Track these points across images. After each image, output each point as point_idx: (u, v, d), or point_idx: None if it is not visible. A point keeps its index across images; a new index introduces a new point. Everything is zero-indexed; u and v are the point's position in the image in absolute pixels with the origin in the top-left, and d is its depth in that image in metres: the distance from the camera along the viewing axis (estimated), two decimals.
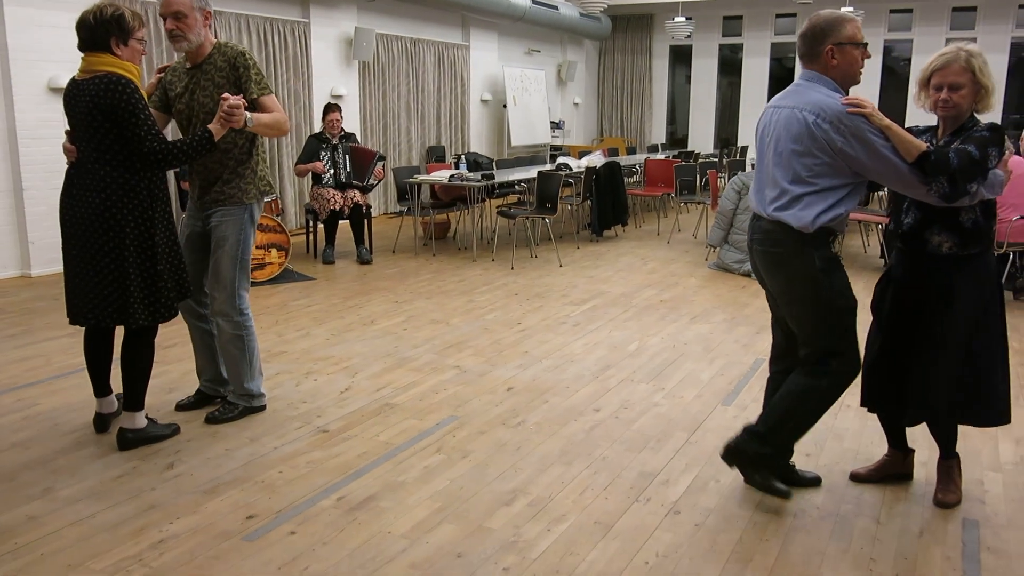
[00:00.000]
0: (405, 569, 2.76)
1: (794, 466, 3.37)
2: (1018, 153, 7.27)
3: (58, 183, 7.28)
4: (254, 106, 3.67)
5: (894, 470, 3.44)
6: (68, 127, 3.53)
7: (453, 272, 7.64)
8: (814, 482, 3.38)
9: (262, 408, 4.14)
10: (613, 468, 3.54)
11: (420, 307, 6.31)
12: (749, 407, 4.27)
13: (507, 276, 7.47)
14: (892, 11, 14.86)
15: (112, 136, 3.39)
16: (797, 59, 3.14)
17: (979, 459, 3.66)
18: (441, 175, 8.60)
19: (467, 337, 5.51)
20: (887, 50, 15.13)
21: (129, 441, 3.68)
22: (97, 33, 3.38)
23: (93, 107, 3.35)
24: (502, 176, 9.17)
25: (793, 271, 3.02)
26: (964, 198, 2.86)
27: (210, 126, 3.54)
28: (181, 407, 4.14)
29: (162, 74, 3.91)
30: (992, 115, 3.00)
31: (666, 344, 5.40)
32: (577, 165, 9.71)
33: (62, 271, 3.63)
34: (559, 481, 3.42)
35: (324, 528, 3.03)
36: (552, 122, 15.23)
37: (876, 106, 2.89)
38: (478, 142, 13.59)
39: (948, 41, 14.44)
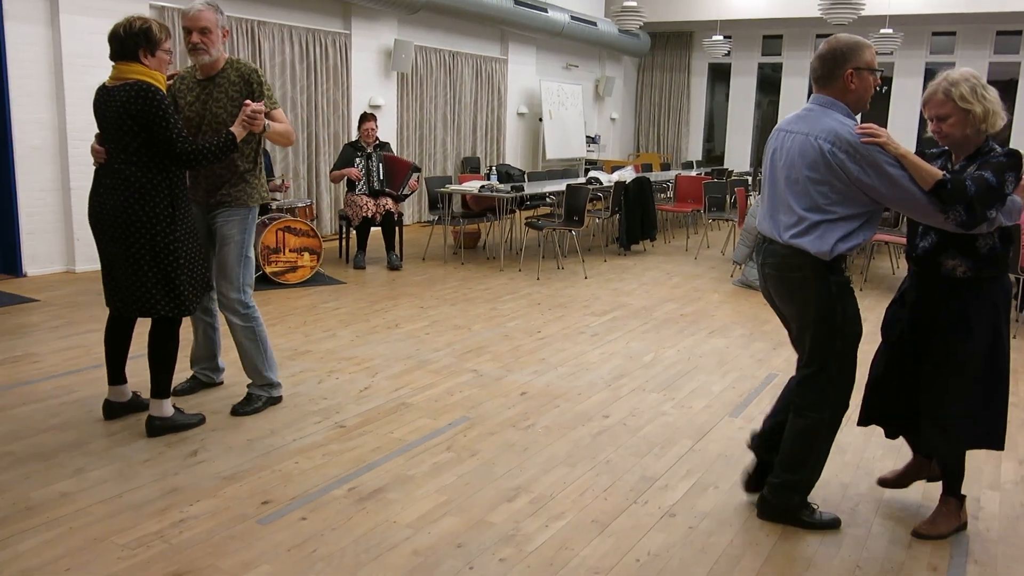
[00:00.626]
0: (407, 556, 2.91)
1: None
2: None
3: None
4: (233, 116, 3.90)
5: (919, 475, 3.45)
6: (98, 130, 3.75)
7: (479, 280, 7.81)
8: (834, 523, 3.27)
9: (279, 398, 4.36)
10: (615, 471, 3.67)
11: (444, 313, 6.48)
12: (756, 419, 4.36)
13: (532, 286, 7.62)
14: (935, 33, 14.82)
15: (140, 139, 3.61)
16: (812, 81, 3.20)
17: (980, 477, 3.72)
18: (472, 185, 8.79)
19: (487, 343, 5.66)
20: (929, 73, 15.07)
21: (156, 428, 3.88)
22: (127, 44, 3.64)
23: (123, 112, 3.58)
24: (532, 188, 9.33)
25: (809, 296, 3.02)
26: (982, 225, 2.85)
27: (232, 129, 3.79)
28: (177, 392, 4.36)
29: (170, 82, 4.09)
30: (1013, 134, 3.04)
31: (681, 356, 5.50)
32: (608, 179, 9.84)
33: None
34: (562, 481, 3.55)
35: (334, 515, 3.19)
36: (588, 136, 15.37)
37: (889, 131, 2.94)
38: (513, 154, 13.78)
39: (991, 64, 14.38)
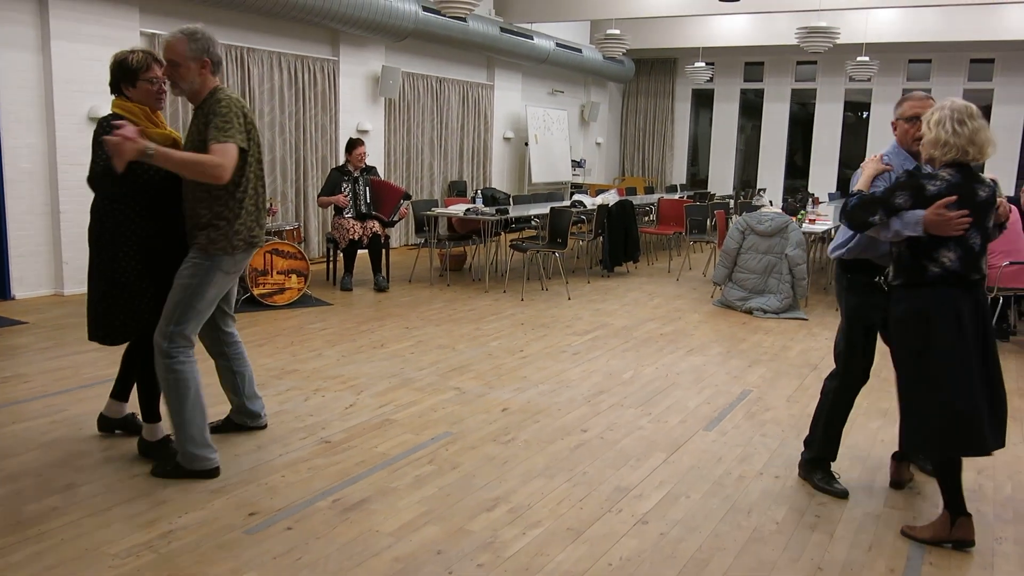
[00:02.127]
0: (388, 563, 3.03)
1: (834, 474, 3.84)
2: (1016, 204, 7.45)
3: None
4: (205, 147, 3.56)
5: (899, 475, 3.91)
6: None
7: (464, 302, 7.94)
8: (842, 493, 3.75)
9: (204, 473, 3.76)
10: (592, 482, 3.79)
11: (429, 333, 6.61)
12: (729, 432, 4.50)
13: (516, 307, 7.76)
14: (911, 61, 15.15)
15: None
16: None
17: (936, 486, 3.85)
18: (457, 209, 8.95)
19: (470, 361, 5.79)
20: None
21: (146, 448, 3.97)
22: (112, 79, 3.77)
23: None
24: (517, 211, 9.49)
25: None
26: (870, 230, 3.36)
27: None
28: (212, 429, 4.05)
29: None
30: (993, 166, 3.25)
31: (660, 373, 5.65)
32: (591, 203, 10.02)
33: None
34: (539, 492, 3.67)
35: (318, 525, 3.31)
36: (573, 161, 15.60)
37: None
38: (499, 178, 13.98)
39: (964, 91, 14.69)
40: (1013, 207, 7.14)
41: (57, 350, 5.75)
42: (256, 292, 7.22)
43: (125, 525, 3.26)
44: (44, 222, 7.51)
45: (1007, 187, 13.79)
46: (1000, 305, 6.76)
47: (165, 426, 3.94)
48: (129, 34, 7.82)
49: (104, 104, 7.59)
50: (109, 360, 5.52)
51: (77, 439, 4.15)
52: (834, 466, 3.91)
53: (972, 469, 4.09)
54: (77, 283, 7.63)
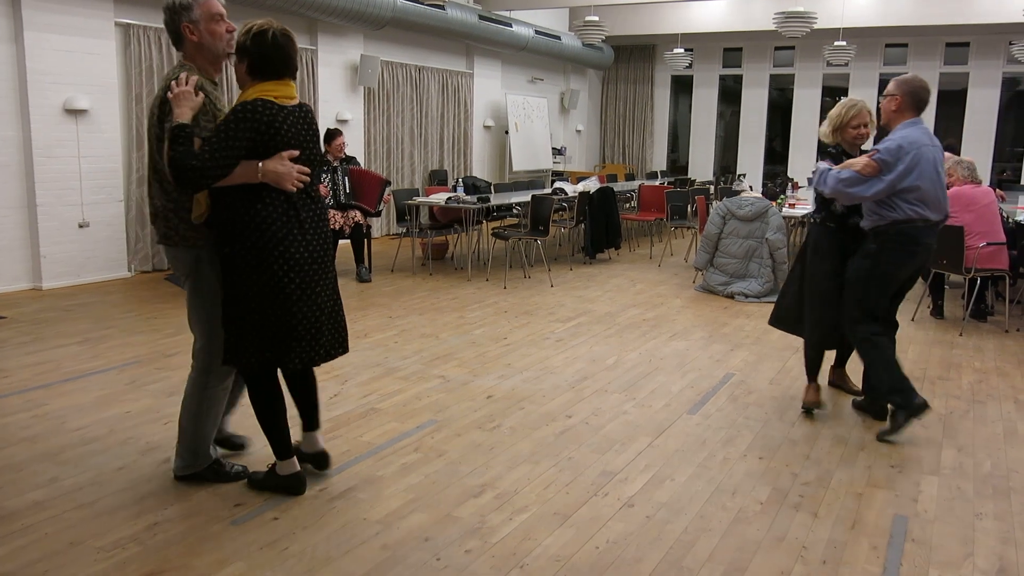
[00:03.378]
0: (376, 550, 3.03)
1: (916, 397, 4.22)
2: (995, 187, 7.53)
3: (70, 199, 7.64)
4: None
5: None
6: (292, 150, 3.19)
7: (447, 291, 7.94)
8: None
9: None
10: (577, 467, 3.81)
11: (413, 322, 6.60)
12: (712, 416, 4.53)
13: (499, 295, 7.77)
14: (887, 45, 15.24)
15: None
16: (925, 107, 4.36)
17: (920, 464, 3.91)
18: (439, 197, 8.93)
19: (454, 350, 5.79)
20: (883, 83, 15.49)
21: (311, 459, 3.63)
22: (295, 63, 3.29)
23: (316, 133, 3.35)
24: (498, 199, 9.49)
25: None
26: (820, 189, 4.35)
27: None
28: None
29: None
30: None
31: (643, 359, 5.67)
32: (572, 190, 10.03)
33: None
34: (526, 478, 3.68)
35: (305, 515, 3.31)
36: (554, 148, 15.59)
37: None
38: (480, 167, 13.95)
39: (941, 75, 14.80)
40: (992, 189, 7.26)
41: (36, 344, 5.70)
42: None
43: (110, 518, 3.25)
44: (21, 216, 7.44)
45: (983, 168, 13.94)
46: (978, 286, 6.83)
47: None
48: (104, 24, 7.74)
49: (82, 95, 7.53)
50: (90, 354, 5.49)
51: (60, 433, 4.12)
52: (814, 444, 3.95)
53: (953, 447, 4.14)
54: (54, 277, 7.57)
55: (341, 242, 8.51)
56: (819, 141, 4.69)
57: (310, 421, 3.61)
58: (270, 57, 3.14)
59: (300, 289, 3.22)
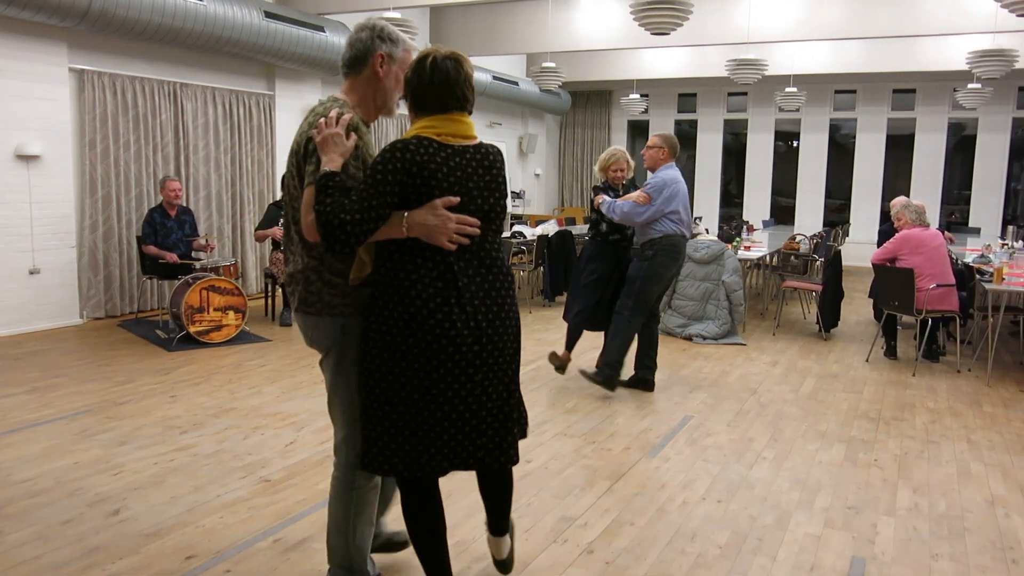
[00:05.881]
0: None
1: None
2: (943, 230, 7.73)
3: (20, 245, 7.51)
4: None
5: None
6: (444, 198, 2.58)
7: None
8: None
9: None
10: (536, 513, 3.78)
11: None
12: (672, 459, 4.54)
13: None
14: (837, 91, 15.66)
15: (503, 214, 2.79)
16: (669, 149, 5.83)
17: (877, 505, 3.94)
18: None
19: None
20: (833, 128, 15.89)
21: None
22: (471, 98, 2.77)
23: (501, 177, 2.75)
24: None
25: None
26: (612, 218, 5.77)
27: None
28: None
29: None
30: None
31: (602, 401, 5.68)
32: (531, 233, 10.09)
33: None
34: (484, 525, 3.63)
35: (259, 566, 3.23)
36: (513, 192, 15.69)
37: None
38: None
39: (888, 120, 15.23)
40: (940, 232, 7.46)
41: None
42: (192, 330, 7.08)
43: (56, 574, 3.14)
44: None
45: (932, 211, 14.28)
46: (929, 327, 6.96)
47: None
48: (57, 70, 7.68)
49: (35, 141, 7.43)
50: (39, 403, 5.35)
51: (4, 486, 3.99)
52: (771, 486, 3.97)
53: (908, 488, 4.19)
54: (4, 324, 7.40)
55: None
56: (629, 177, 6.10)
57: (495, 525, 3.01)
58: (429, 87, 2.64)
59: (444, 379, 2.56)
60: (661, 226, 5.67)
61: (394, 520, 3.24)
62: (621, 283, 5.86)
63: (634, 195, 5.69)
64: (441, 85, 2.61)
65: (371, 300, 2.61)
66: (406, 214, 2.52)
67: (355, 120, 2.68)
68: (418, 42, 12.35)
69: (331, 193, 2.49)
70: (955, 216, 15.48)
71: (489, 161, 2.67)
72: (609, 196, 5.85)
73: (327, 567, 2.93)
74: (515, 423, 2.78)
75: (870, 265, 7.35)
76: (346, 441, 2.79)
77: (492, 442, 2.68)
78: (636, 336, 5.91)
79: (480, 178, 2.63)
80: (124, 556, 3.30)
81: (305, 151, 2.66)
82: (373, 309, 2.59)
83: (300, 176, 2.68)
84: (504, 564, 3.06)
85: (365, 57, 2.76)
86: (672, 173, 5.76)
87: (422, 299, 2.52)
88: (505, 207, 2.74)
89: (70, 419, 5.06)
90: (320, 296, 2.70)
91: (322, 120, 2.61)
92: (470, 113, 2.70)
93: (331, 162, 2.55)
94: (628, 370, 6.07)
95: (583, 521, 3.70)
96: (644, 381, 6.01)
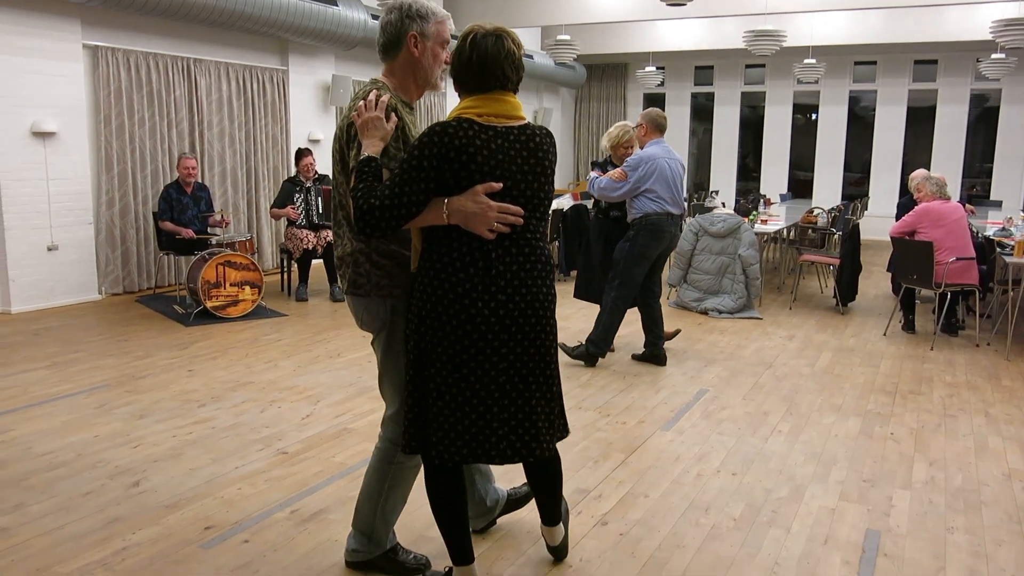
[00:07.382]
0: (347, 573, 3.00)
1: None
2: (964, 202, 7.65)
3: (38, 222, 7.56)
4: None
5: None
6: (490, 181, 2.52)
7: None
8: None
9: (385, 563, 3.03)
10: None
11: None
12: (686, 432, 4.54)
13: None
14: (857, 63, 15.46)
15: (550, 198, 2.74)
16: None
17: (893, 479, 3.94)
18: None
19: None
20: (853, 100, 15.70)
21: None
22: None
23: (548, 162, 2.65)
24: None
25: None
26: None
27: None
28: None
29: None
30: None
31: (617, 375, 5.68)
32: None
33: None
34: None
35: (276, 537, 3.27)
36: None
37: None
38: None
39: (910, 92, 15.04)
40: (961, 204, 7.38)
41: (4, 369, 5.62)
42: (209, 305, 7.13)
43: (77, 544, 3.19)
44: None
45: (952, 184, 14.13)
46: (948, 301, 6.91)
47: None
48: (71, 47, 7.69)
49: (50, 118, 7.46)
50: (58, 378, 5.41)
51: (26, 458, 4.05)
52: (786, 459, 3.97)
53: (924, 461, 4.18)
54: (23, 301, 7.47)
55: (315, 261, 8.48)
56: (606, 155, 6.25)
57: (548, 515, 3.00)
58: (468, 65, 2.55)
59: (466, 364, 2.53)
60: (640, 204, 5.71)
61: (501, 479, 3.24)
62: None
63: (613, 172, 5.82)
64: (479, 63, 2.54)
65: (412, 284, 2.62)
66: (447, 201, 2.48)
67: (393, 101, 2.66)
68: None
69: (365, 178, 2.48)
70: (976, 189, 15.30)
71: (535, 143, 2.58)
72: (594, 173, 6.03)
73: (336, 539, 2.96)
74: (542, 416, 2.68)
75: (889, 239, 7.29)
76: (394, 418, 2.84)
77: (515, 433, 2.62)
78: (641, 315, 6.09)
79: (524, 161, 2.55)
80: (144, 527, 3.34)
81: (348, 136, 2.66)
82: (413, 293, 2.60)
83: (343, 162, 2.68)
84: (558, 550, 3.09)
85: (399, 40, 2.73)
86: (652, 150, 5.74)
87: (451, 283, 2.50)
88: (550, 193, 2.66)
89: (89, 393, 5.12)
90: (369, 278, 2.71)
91: (361, 103, 2.60)
92: (515, 92, 2.61)
93: (372, 146, 2.55)
94: (638, 347, 6.07)
95: (597, 493, 3.72)
96: (655, 356, 6.05)
